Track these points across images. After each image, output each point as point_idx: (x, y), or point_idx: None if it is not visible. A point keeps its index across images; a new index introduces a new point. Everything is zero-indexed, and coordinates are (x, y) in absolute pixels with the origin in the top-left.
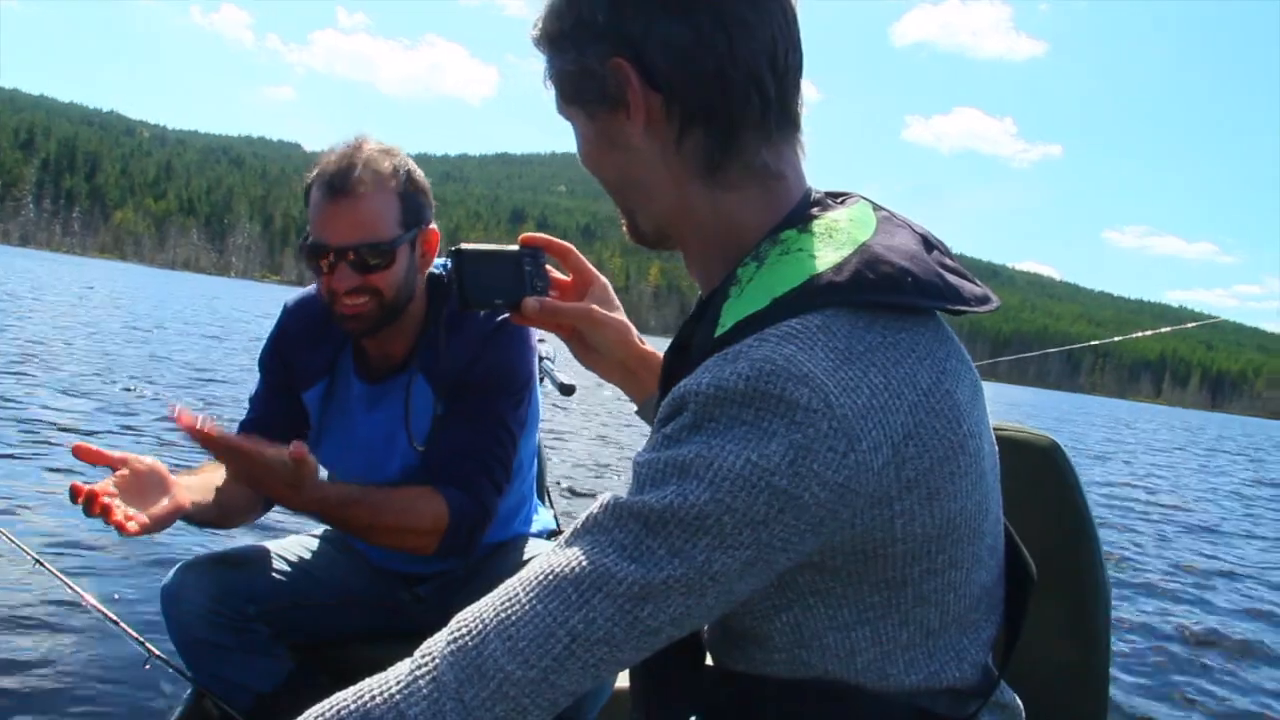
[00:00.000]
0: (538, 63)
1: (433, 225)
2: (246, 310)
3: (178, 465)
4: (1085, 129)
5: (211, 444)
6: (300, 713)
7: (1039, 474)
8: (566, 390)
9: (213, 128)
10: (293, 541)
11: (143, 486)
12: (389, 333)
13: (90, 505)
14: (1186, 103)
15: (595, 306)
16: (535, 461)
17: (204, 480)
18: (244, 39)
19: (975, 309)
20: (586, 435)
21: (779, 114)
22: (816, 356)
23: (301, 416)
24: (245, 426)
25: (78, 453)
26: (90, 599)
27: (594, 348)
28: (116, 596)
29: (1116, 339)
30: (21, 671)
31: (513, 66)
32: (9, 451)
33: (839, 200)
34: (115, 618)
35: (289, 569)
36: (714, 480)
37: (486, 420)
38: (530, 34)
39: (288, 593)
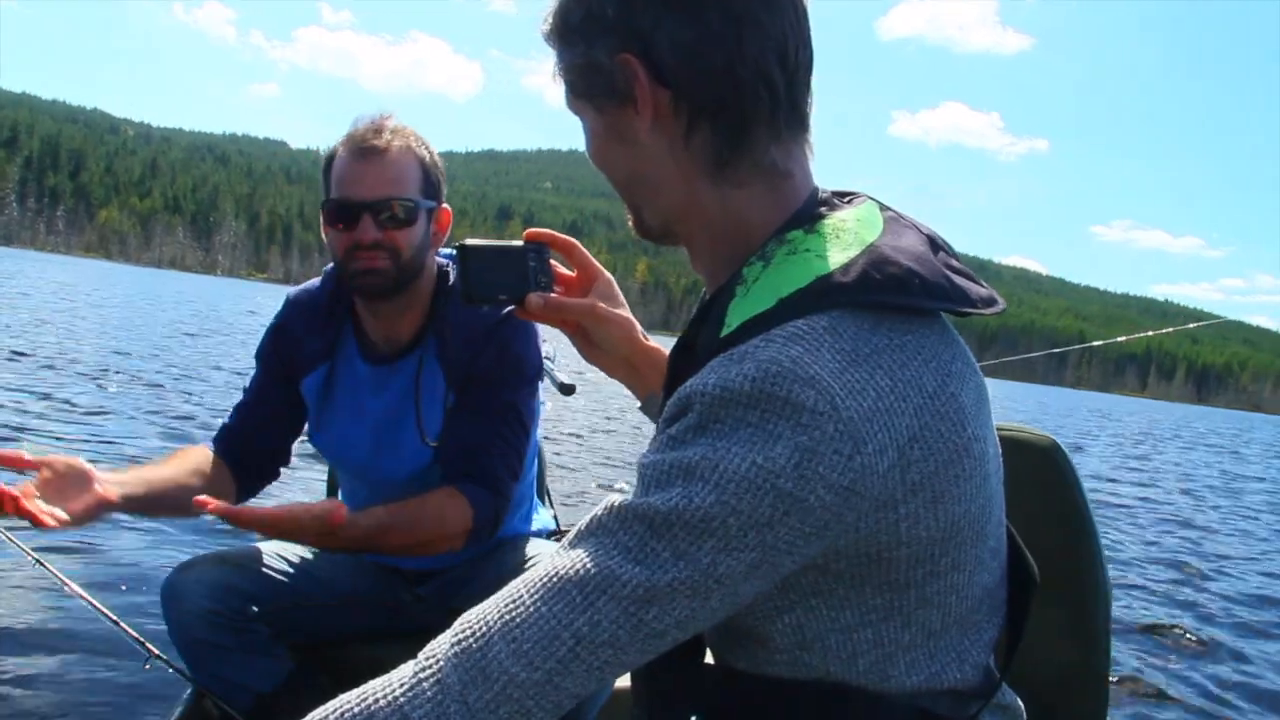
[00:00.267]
0: (522, 60)
1: (445, 205)
2: (230, 308)
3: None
4: (1072, 123)
5: (248, 523)
6: (301, 713)
7: (1039, 474)
8: (566, 390)
9: (197, 125)
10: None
11: (64, 485)
12: (395, 309)
13: (3, 506)
14: (1172, 97)
15: (599, 302)
16: (536, 460)
17: (140, 475)
18: (228, 36)
19: (981, 311)
20: (586, 436)
21: (789, 112)
22: (823, 358)
23: (296, 408)
24: (239, 410)
25: None
26: (90, 599)
27: (598, 344)
28: (116, 596)
29: (1121, 339)
30: (21, 671)
31: (497, 62)
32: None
33: (846, 200)
34: (115, 618)
35: (289, 569)
36: (719, 483)
37: (499, 410)
38: (540, 28)
39: (288, 593)
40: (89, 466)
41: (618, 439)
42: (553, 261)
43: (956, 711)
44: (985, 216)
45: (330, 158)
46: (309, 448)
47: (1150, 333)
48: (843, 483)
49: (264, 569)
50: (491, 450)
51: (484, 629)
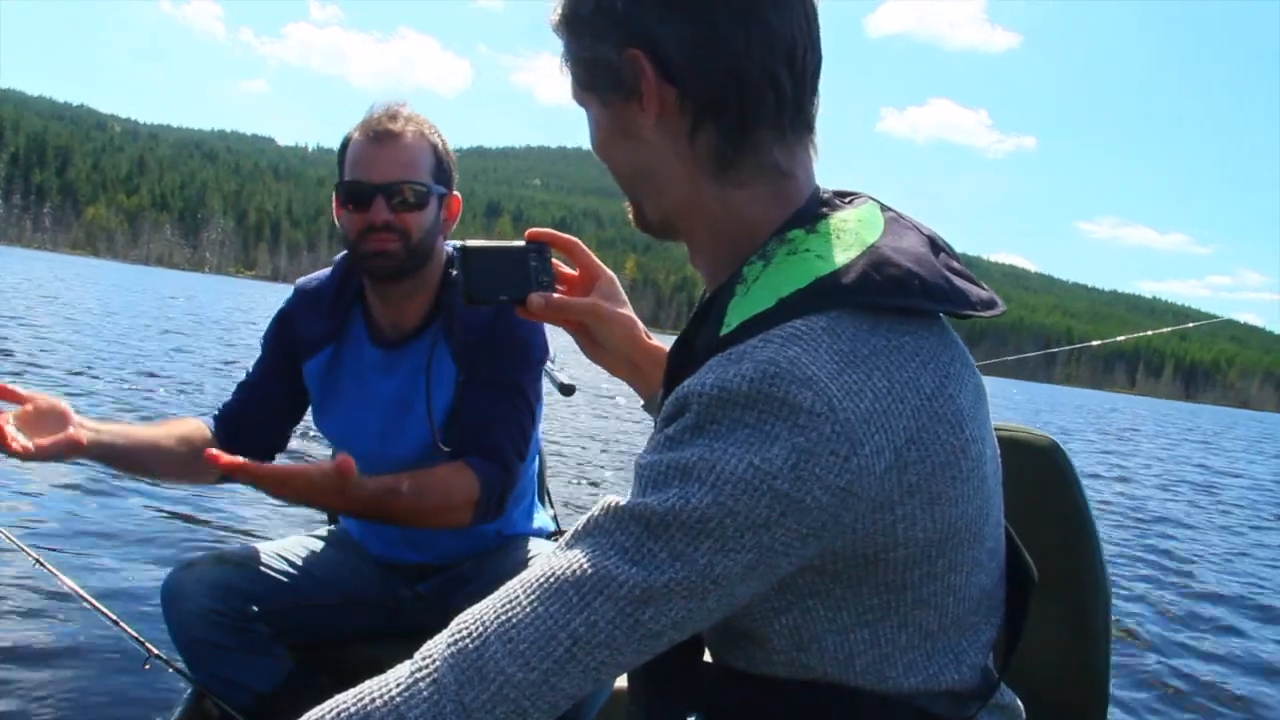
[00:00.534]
0: (510, 56)
1: (456, 193)
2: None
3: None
4: (1059, 120)
5: (257, 476)
6: (300, 713)
7: (1039, 474)
8: (567, 391)
9: (185, 122)
10: (293, 541)
11: (43, 421)
12: (404, 293)
13: None
14: (1159, 94)
15: (601, 301)
16: (536, 459)
17: (123, 429)
18: (216, 32)
19: (981, 313)
20: (586, 436)
21: (794, 114)
22: (821, 359)
23: (297, 395)
24: (240, 389)
25: None
26: (90, 598)
27: (600, 342)
28: (116, 596)
29: (1120, 338)
30: (21, 671)
31: (485, 59)
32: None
33: (847, 200)
34: (115, 617)
35: (290, 569)
36: (716, 483)
37: (506, 389)
38: (550, 18)
39: (288, 592)
40: (69, 408)
41: (618, 439)
42: (555, 261)
43: (955, 712)
44: (973, 213)
45: (345, 142)
46: (311, 434)
47: (1149, 332)
48: (839, 484)
49: (264, 569)
50: (498, 427)
51: (480, 629)
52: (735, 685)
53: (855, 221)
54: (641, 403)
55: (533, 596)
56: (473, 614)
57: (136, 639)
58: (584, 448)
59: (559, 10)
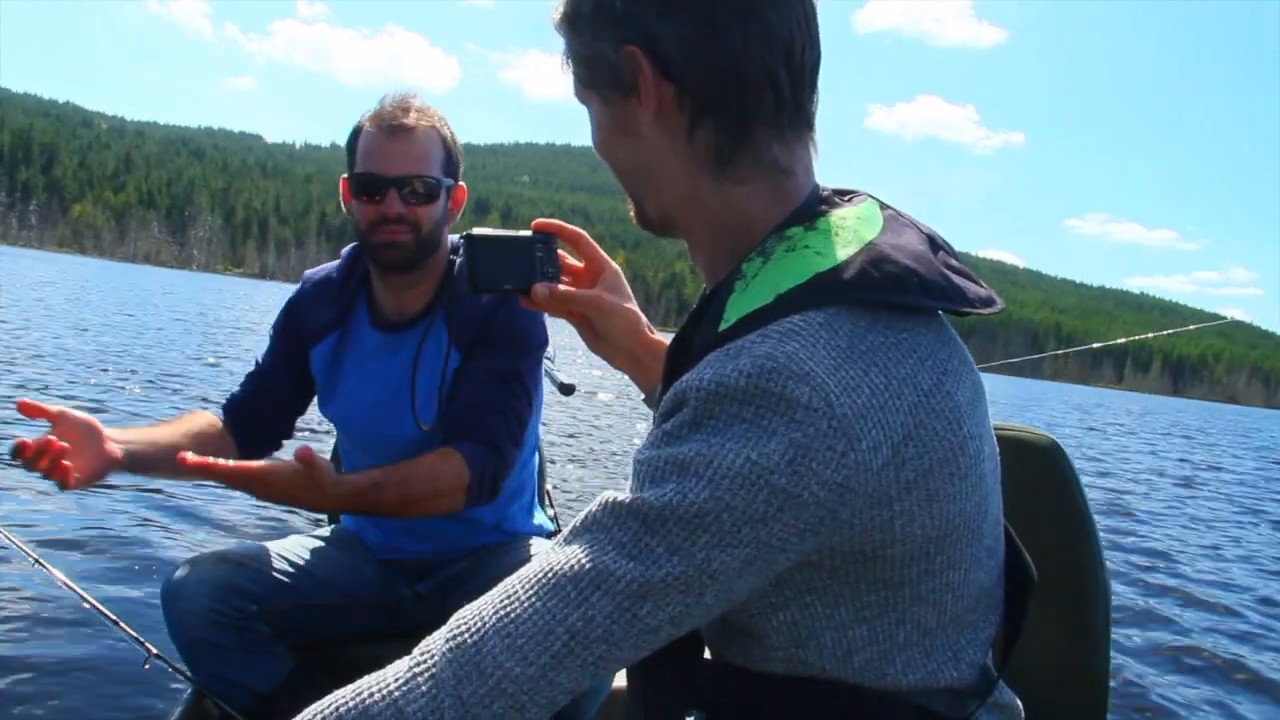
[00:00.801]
0: (499, 53)
1: (461, 184)
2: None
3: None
4: (1047, 116)
5: (221, 475)
6: (300, 712)
7: (1039, 474)
8: (566, 390)
9: (172, 119)
10: (293, 541)
11: (78, 441)
12: (410, 282)
13: (40, 458)
14: (1148, 90)
15: (605, 294)
16: (535, 457)
17: (145, 435)
18: (202, 29)
19: (979, 310)
20: (586, 436)
21: (793, 112)
22: (819, 355)
23: (304, 383)
24: (249, 379)
25: (23, 408)
26: (90, 599)
27: (602, 335)
28: (116, 596)
29: (1122, 340)
30: (21, 672)
31: (474, 56)
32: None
33: (846, 198)
34: (115, 618)
35: (290, 568)
36: (713, 478)
37: (503, 375)
38: (552, 17)
39: (288, 592)
40: (98, 423)
41: (617, 439)
42: (561, 252)
43: (953, 710)
44: (961, 209)
45: (356, 132)
46: (314, 427)
47: (1151, 334)
48: (836, 479)
49: (264, 568)
50: (492, 412)
51: (479, 624)
52: (734, 682)
53: (854, 219)
54: (642, 397)
55: (530, 592)
56: (471, 610)
57: (136, 639)
58: (584, 447)
59: (561, 9)
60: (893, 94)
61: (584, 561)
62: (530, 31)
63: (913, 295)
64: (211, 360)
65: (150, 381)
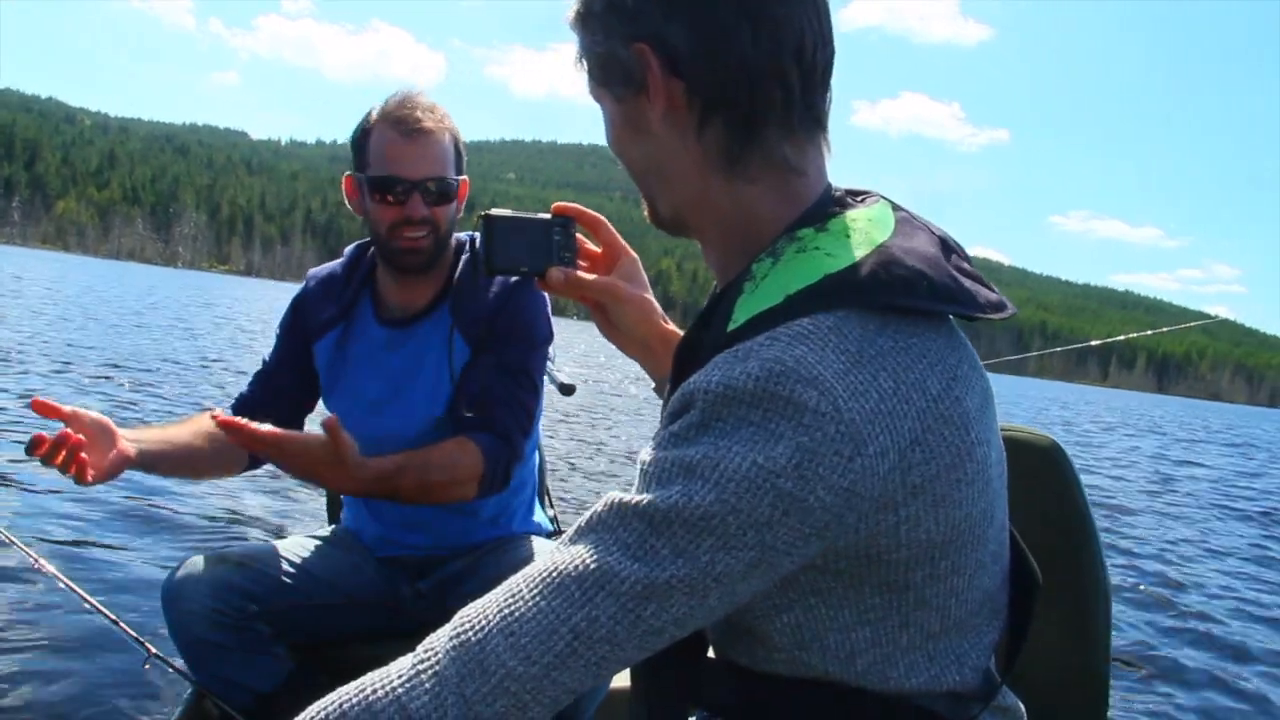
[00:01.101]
0: (484, 49)
1: (464, 177)
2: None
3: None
4: (1032, 114)
5: (250, 437)
6: (301, 713)
7: (1039, 474)
8: (566, 390)
9: (156, 115)
10: (294, 541)
11: (92, 439)
12: (421, 279)
13: (56, 452)
14: (1133, 88)
15: (620, 282)
16: (536, 456)
17: (157, 435)
18: (186, 24)
19: (990, 315)
20: (586, 436)
21: (803, 111)
22: (827, 358)
23: (310, 381)
24: (256, 379)
25: (37, 407)
26: (90, 599)
27: (615, 323)
28: (117, 596)
29: (1121, 338)
30: (21, 671)
31: (459, 52)
32: (7, 453)
33: (859, 199)
34: (115, 618)
35: (290, 568)
36: (719, 481)
37: (510, 367)
38: (566, 15)
39: (289, 592)
40: (110, 421)
41: (618, 439)
42: (579, 236)
43: (956, 713)
44: (946, 207)
45: (365, 131)
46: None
47: (1150, 331)
48: (843, 484)
49: (265, 568)
50: (502, 403)
51: (483, 623)
52: (737, 682)
53: (866, 221)
54: (652, 385)
55: (535, 591)
56: (475, 607)
57: (136, 639)
58: (584, 447)
59: (574, 7)
60: (877, 91)
61: (589, 562)
62: (515, 28)
63: (922, 299)
64: (205, 360)
65: (140, 381)
